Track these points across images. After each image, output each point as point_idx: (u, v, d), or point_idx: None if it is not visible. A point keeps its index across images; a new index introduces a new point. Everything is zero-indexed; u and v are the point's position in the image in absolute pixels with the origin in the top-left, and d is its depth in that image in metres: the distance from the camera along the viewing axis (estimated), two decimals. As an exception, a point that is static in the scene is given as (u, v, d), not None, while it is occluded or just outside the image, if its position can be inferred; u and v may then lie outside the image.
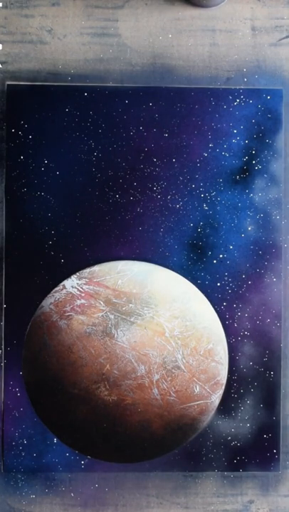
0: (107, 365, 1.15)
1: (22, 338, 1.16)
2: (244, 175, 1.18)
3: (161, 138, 1.17)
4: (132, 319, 1.15)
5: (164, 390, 1.15)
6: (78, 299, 1.15)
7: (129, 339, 1.15)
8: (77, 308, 1.15)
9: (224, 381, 1.16)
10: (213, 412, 1.16)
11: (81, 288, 1.15)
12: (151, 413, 1.15)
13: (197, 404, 1.15)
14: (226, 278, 1.18)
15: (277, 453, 1.18)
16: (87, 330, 1.15)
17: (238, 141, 1.17)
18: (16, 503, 1.18)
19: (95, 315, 1.15)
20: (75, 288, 1.15)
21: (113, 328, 1.15)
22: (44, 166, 1.17)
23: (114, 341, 1.15)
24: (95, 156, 1.17)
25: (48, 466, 1.17)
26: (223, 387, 1.16)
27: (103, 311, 1.15)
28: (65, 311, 1.15)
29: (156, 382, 1.15)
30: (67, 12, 1.19)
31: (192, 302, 1.15)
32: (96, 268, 1.15)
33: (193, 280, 1.17)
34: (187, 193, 1.17)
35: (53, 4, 1.19)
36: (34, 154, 1.17)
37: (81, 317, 1.15)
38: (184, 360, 1.15)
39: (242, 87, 1.18)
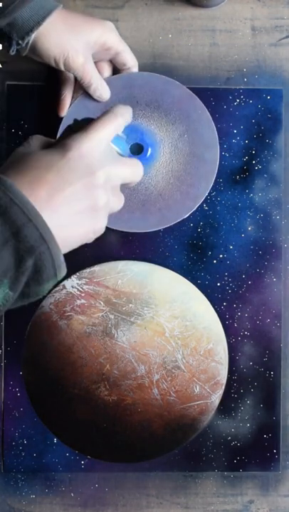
0: (107, 365, 1.15)
1: (22, 338, 1.16)
2: (244, 175, 1.18)
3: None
4: (132, 319, 1.15)
5: (164, 390, 1.15)
6: (78, 299, 1.15)
7: (129, 339, 1.15)
8: (77, 308, 1.15)
9: (224, 381, 1.16)
10: (213, 412, 1.16)
11: (81, 288, 1.15)
12: (151, 413, 1.15)
13: (197, 404, 1.15)
14: (226, 278, 1.18)
15: (277, 453, 1.18)
16: (87, 330, 1.15)
17: (238, 141, 1.18)
18: (16, 503, 1.18)
19: (95, 315, 1.15)
20: (75, 288, 1.15)
21: (113, 328, 1.15)
22: (44, 166, 1.17)
23: (114, 341, 1.15)
24: (95, 156, 1.17)
25: (48, 466, 1.17)
26: (223, 387, 1.16)
27: (103, 311, 1.15)
28: (65, 311, 1.15)
29: (156, 382, 1.15)
30: (67, 12, 1.19)
31: (192, 302, 1.15)
32: (96, 268, 1.15)
33: (193, 280, 1.17)
34: (187, 193, 1.17)
35: (53, 4, 1.18)
36: (34, 154, 1.16)
37: (81, 317, 1.15)
38: (184, 360, 1.15)
39: (242, 87, 1.18)
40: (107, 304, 1.15)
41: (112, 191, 0.82)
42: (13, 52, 1.01)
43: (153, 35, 1.18)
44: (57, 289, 1.15)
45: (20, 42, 0.99)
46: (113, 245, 1.17)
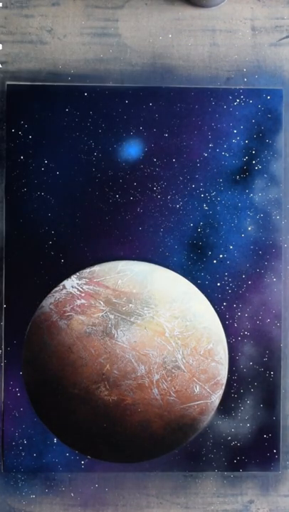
0: (107, 365, 1.15)
1: (22, 338, 1.16)
2: (244, 175, 1.18)
3: (161, 138, 1.17)
4: (132, 319, 1.15)
5: (164, 390, 1.15)
6: (78, 299, 1.15)
7: (129, 339, 1.15)
8: (77, 308, 1.15)
9: (224, 381, 1.16)
10: (213, 412, 1.16)
11: (81, 288, 1.15)
12: (151, 413, 1.15)
13: (197, 404, 1.15)
14: (226, 278, 1.18)
15: (277, 453, 1.18)
16: (87, 330, 1.15)
17: (238, 141, 1.17)
18: (16, 503, 1.18)
19: (95, 315, 1.15)
20: (75, 288, 1.15)
21: (113, 328, 1.15)
22: (44, 166, 1.17)
23: (114, 341, 1.15)
24: (95, 156, 1.17)
25: (48, 466, 1.17)
26: (223, 387, 1.16)
27: (103, 311, 1.15)
28: (65, 311, 1.15)
29: (156, 382, 1.15)
30: (67, 12, 1.19)
31: (192, 302, 1.15)
32: (96, 268, 1.15)
33: (193, 280, 1.17)
34: (187, 193, 1.17)
35: (53, 4, 1.19)
36: (34, 154, 1.17)
37: (81, 317, 1.15)
38: (184, 360, 1.15)
39: (242, 87, 1.18)
40: (107, 303, 1.15)
41: None
42: None
43: (153, 35, 1.18)
44: (57, 289, 1.15)
45: None
46: (113, 245, 1.17)
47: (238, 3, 1.18)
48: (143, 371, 1.15)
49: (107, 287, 1.15)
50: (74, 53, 1.19)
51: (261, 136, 1.18)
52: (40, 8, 1.19)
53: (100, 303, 1.15)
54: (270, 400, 1.18)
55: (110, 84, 1.18)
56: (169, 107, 1.17)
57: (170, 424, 1.15)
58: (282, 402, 1.18)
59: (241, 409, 1.17)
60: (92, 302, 1.15)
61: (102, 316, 1.15)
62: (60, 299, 1.15)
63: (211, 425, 1.17)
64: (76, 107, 1.17)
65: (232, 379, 1.17)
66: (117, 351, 1.15)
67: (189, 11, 1.18)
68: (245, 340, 1.18)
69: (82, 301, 1.15)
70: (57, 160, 1.17)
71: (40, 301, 1.16)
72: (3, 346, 1.17)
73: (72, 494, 1.18)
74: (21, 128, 1.17)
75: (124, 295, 1.15)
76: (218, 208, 1.18)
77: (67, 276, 1.15)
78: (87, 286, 1.15)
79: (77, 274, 1.15)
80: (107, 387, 1.15)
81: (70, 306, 1.15)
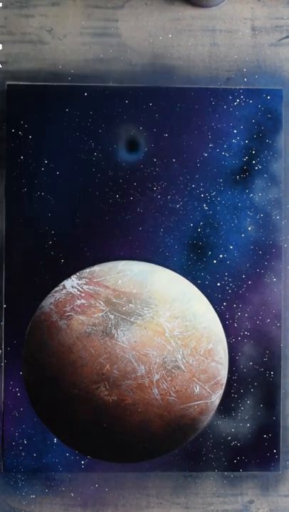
0: (107, 365, 1.15)
1: (22, 338, 1.16)
2: (244, 175, 1.18)
3: (161, 138, 1.17)
4: (132, 319, 1.15)
5: (164, 390, 1.15)
6: (78, 299, 1.15)
7: (129, 339, 1.15)
8: (77, 308, 1.15)
9: (224, 381, 1.16)
10: (213, 412, 1.16)
11: (81, 288, 1.15)
12: (151, 413, 1.15)
13: (197, 404, 1.15)
14: (226, 278, 1.18)
15: (277, 453, 1.18)
16: (87, 330, 1.15)
17: (238, 141, 1.18)
18: (16, 503, 1.18)
19: (95, 315, 1.15)
20: (75, 288, 1.16)
21: (113, 328, 1.15)
22: (44, 166, 1.17)
23: (114, 341, 1.15)
24: (95, 156, 1.17)
25: (48, 466, 1.17)
26: (223, 387, 1.16)
27: (103, 311, 1.15)
28: (65, 311, 1.15)
29: (156, 382, 1.15)
30: (67, 12, 1.19)
31: (192, 302, 1.15)
32: (96, 268, 1.15)
33: (193, 280, 1.17)
34: (187, 193, 1.17)
35: (53, 4, 1.19)
36: (34, 154, 1.17)
37: (81, 317, 1.15)
38: (184, 360, 1.15)
39: (242, 87, 1.18)
40: (107, 303, 1.15)
41: None
42: None
43: (153, 35, 1.18)
44: (57, 289, 1.15)
45: None
46: (113, 245, 1.17)
47: (238, 3, 1.18)
48: (143, 371, 1.15)
49: (107, 287, 1.15)
50: (74, 53, 1.19)
51: (261, 136, 1.18)
52: (40, 8, 1.19)
53: (100, 303, 1.15)
54: (270, 400, 1.18)
55: (110, 84, 1.18)
56: (169, 107, 1.17)
57: (170, 424, 1.15)
58: (282, 402, 1.18)
59: (241, 409, 1.17)
60: (92, 302, 1.15)
61: (102, 316, 1.15)
62: (60, 299, 1.16)
63: (211, 425, 1.17)
64: (76, 107, 1.17)
65: (232, 379, 1.17)
66: (117, 351, 1.15)
67: (189, 11, 1.18)
68: (245, 340, 1.18)
69: (82, 301, 1.15)
70: (57, 160, 1.17)
71: (40, 301, 1.16)
72: (3, 346, 1.17)
73: (72, 494, 1.18)
74: (21, 128, 1.17)
75: (124, 295, 1.15)
76: (218, 208, 1.18)
77: (67, 276, 1.15)
78: (87, 286, 1.15)
79: (77, 274, 1.15)
80: (107, 387, 1.15)
81: (70, 306, 1.15)
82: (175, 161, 1.17)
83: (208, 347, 1.16)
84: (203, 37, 1.18)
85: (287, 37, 1.19)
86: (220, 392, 1.15)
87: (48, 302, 1.15)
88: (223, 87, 1.18)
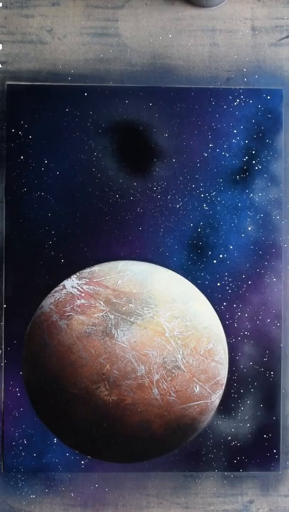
0: (107, 365, 1.15)
1: (22, 338, 1.16)
2: (244, 175, 1.18)
3: (161, 138, 1.17)
4: (132, 319, 1.15)
5: (164, 390, 1.15)
6: (78, 299, 1.15)
7: (129, 339, 1.15)
8: (77, 308, 1.15)
9: (224, 381, 1.16)
10: (213, 412, 1.16)
11: (81, 288, 1.16)
12: (151, 413, 1.15)
13: (197, 404, 1.15)
14: (226, 278, 1.18)
15: (277, 453, 1.18)
16: (87, 330, 1.15)
17: (238, 141, 1.18)
18: (16, 503, 1.18)
19: (95, 315, 1.15)
20: (75, 288, 1.16)
21: (113, 328, 1.15)
22: (44, 166, 1.17)
23: (114, 341, 1.15)
24: (95, 156, 1.17)
25: (48, 466, 1.17)
26: (223, 387, 1.16)
27: (103, 311, 1.15)
28: (65, 311, 1.15)
29: (156, 382, 1.15)
30: (67, 12, 1.19)
31: (192, 302, 1.15)
32: (96, 268, 1.16)
33: (193, 280, 1.17)
34: (187, 193, 1.17)
35: (53, 4, 1.19)
36: (34, 154, 1.17)
37: (81, 317, 1.15)
38: (184, 360, 1.15)
39: (242, 87, 1.18)
40: (107, 303, 1.15)
41: None
42: None
43: (153, 35, 1.18)
44: (57, 289, 1.15)
45: None
46: (113, 245, 1.17)
47: (238, 3, 1.18)
48: (143, 371, 1.15)
49: (107, 287, 1.15)
50: (74, 53, 1.19)
51: (261, 136, 1.18)
52: (40, 8, 1.19)
53: (100, 303, 1.15)
54: (270, 400, 1.18)
55: (110, 84, 1.18)
56: (169, 107, 1.17)
57: (170, 424, 1.15)
58: (282, 402, 1.18)
59: (241, 409, 1.17)
60: (92, 302, 1.15)
61: (102, 316, 1.15)
62: (60, 299, 1.16)
63: (211, 425, 1.17)
64: (76, 107, 1.17)
65: (232, 379, 1.17)
66: (117, 351, 1.15)
67: (189, 11, 1.18)
68: (245, 340, 1.18)
69: (82, 301, 1.15)
70: (57, 160, 1.17)
71: (40, 301, 1.16)
72: (3, 346, 1.17)
73: (72, 494, 1.18)
74: (21, 128, 1.17)
75: (124, 295, 1.15)
76: (218, 208, 1.18)
77: (67, 276, 1.15)
78: (87, 286, 1.16)
79: (77, 274, 1.15)
80: (107, 387, 1.15)
81: (70, 306, 1.15)
82: (175, 161, 1.17)
83: (208, 347, 1.16)
84: (203, 37, 1.18)
85: (287, 37, 1.19)
86: (220, 392, 1.15)
87: (48, 302, 1.15)
88: (223, 87, 1.18)
